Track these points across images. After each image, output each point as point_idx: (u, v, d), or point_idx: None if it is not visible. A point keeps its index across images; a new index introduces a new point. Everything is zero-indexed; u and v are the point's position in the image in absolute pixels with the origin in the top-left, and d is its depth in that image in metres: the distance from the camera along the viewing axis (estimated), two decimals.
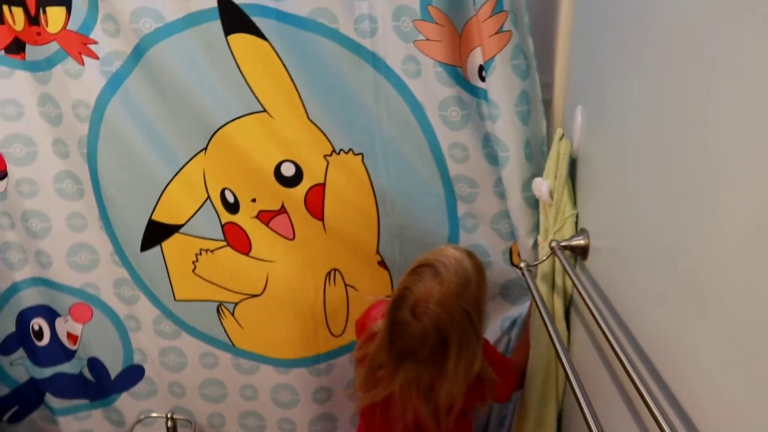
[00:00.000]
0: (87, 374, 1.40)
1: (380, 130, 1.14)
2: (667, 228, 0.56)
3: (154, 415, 1.41)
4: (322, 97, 1.13)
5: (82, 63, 1.16)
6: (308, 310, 1.26)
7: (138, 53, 1.14)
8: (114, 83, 1.17)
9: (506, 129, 1.04)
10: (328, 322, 1.27)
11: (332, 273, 1.24)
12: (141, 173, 1.22)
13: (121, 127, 1.20)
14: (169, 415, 1.38)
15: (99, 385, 1.41)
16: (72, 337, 1.38)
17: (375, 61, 1.11)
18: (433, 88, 1.10)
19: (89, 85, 1.18)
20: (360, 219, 1.19)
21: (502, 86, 1.02)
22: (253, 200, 1.21)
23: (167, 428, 1.39)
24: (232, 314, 1.31)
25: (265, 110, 1.15)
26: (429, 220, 1.18)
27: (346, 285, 1.25)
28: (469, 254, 0.95)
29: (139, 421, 1.41)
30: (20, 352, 1.40)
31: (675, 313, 0.54)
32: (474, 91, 1.10)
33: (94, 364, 1.40)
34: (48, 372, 1.40)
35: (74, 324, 1.37)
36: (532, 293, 0.90)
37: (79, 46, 1.16)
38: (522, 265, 0.99)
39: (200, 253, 1.27)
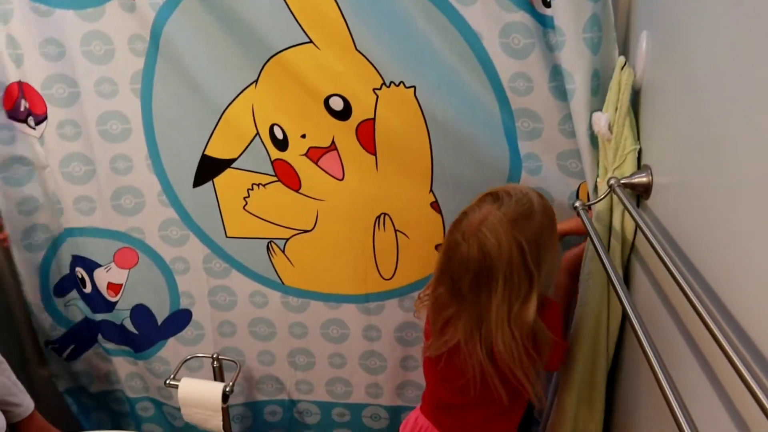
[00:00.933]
0: (129, 326, 1.44)
1: (433, 61, 1.08)
2: (752, 160, 0.51)
3: (200, 355, 1.45)
4: (371, 26, 1.08)
5: None
6: (358, 251, 1.26)
7: None
8: (165, 12, 1.15)
9: (572, 58, 0.96)
10: (378, 264, 1.27)
11: (382, 217, 1.22)
12: (194, 107, 1.21)
13: (175, 59, 1.18)
14: (214, 356, 1.42)
15: (143, 335, 1.45)
16: (113, 288, 1.41)
17: None
18: (492, 14, 1.02)
19: (144, 18, 1.15)
20: (413, 156, 1.15)
21: (569, 9, 0.94)
22: (303, 136, 1.19)
23: (213, 369, 1.43)
24: (283, 251, 1.31)
25: (311, 41, 1.11)
26: (487, 158, 1.13)
27: (396, 230, 1.23)
28: (540, 195, 0.91)
29: (184, 361, 1.45)
30: (73, 293, 1.45)
31: (759, 254, 0.50)
32: (540, 19, 1.02)
33: (141, 311, 1.43)
34: (98, 317, 1.45)
35: (119, 271, 1.39)
36: (589, 234, 0.86)
37: None
38: (577, 204, 0.94)
39: (252, 188, 1.27)
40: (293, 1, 1.08)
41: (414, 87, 1.10)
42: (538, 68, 1.04)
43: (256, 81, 1.17)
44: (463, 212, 0.89)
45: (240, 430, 1.55)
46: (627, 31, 0.98)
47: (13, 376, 0.85)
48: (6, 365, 0.83)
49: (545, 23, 1.02)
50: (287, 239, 1.30)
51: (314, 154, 1.20)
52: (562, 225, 1.05)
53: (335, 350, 1.39)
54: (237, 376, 1.39)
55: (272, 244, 1.31)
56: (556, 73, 1.03)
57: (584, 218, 0.90)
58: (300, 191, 1.24)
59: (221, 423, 1.36)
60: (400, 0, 1.06)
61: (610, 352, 0.98)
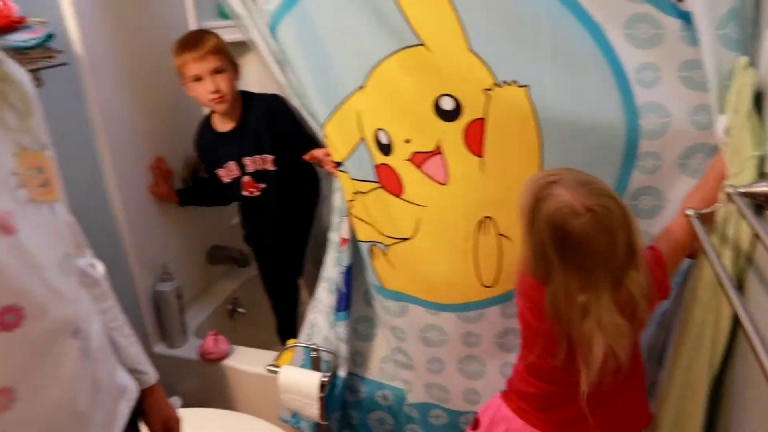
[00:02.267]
0: None
1: (551, 57, 1.05)
2: None
3: (299, 344, 1.51)
4: (486, 24, 1.07)
5: None
6: (459, 259, 1.24)
7: None
8: (277, 17, 1.21)
9: (706, 54, 0.92)
10: (480, 271, 1.24)
11: (484, 221, 1.20)
12: (305, 107, 1.28)
13: (290, 57, 1.24)
14: (313, 346, 1.47)
15: None
16: None
17: None
18: (616, 5, 0.99)
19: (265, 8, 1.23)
20: (522, 157, 1.13)
21: (704, 3, 0.89)
22: (407, 141, 1.19)
23: (311, 359, 1.49)
24: (384, 254, 1.33)
25: (422, 43, 1.11)
26: (599, 157, 1.09)
27: (499, 234, 1.21)
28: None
29: (286, 349, 1.54)
30: None
31: None
32: (669, 10, 0.98)
33: None
34: None
35: None
36: (703, 246, 0.84)
37: None
38: (689, 212, 0.92)
39: (355, 195, 1.31)
40: (407, 4, 1.10)
41: (528, 86, 1.08)
42: (667, 58, 0.99)
43: (364, 85, 1.20)
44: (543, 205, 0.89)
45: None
46: (753, 28, 0.93)
47: (141, 348, 0.93)
48: (135, 337, 0.93)
49: (675, 14, 0.98)
50: (389, 245, 1.31)
51: (418, 159, 1.20)
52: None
53: (433, 354, 1.38)
54: (334, 368, 1.45)
55: (374, 246, 1.33)
56: (686, 66, 0.98)
57: (697, 227, 0.88)
58: (402, 197, 1.24)
59: (318, 411, 1.43)
60: None
61: (715, 362, 0.94)
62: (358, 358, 1.51)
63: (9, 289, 0.61)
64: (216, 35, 1.58)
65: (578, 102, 1.07)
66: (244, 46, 2.03)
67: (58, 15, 1.40)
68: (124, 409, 0.83)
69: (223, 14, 1.99)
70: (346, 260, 1.41)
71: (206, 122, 1.73)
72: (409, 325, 1.37)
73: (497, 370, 1.35)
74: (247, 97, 1.66)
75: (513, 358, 1.29)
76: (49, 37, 1.28)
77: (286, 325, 1.92)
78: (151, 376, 0.91)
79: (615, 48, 1.02)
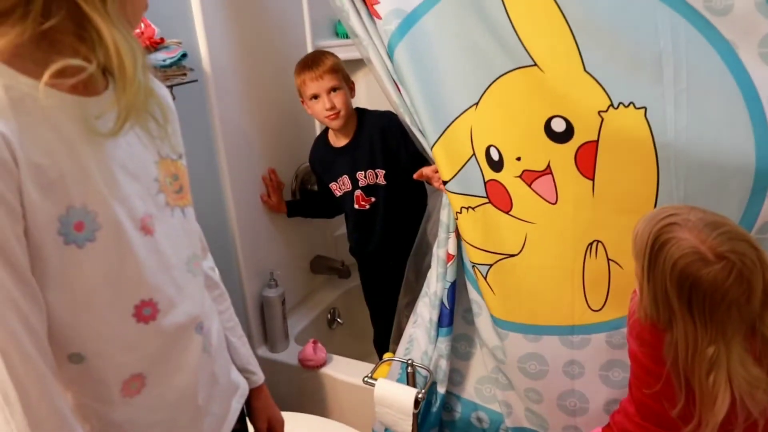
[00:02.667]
0: None
1: (673, 79, 1.01)
2: None
3: (396, 359, 1.53)
4: (604, 45, 1.05)
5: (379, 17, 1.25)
6: (566, 278, 1.21)
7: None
8: (396, 37, 1.25)
9: None
10: (587, 294, 1.20)
11: (594, 244, 1.16)
12: (415, 126, 1.31)
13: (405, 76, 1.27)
14: (409, 361, 1.48)
15: None
16: None
17: None
18: (750, 23, 0.94)
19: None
20: (635, 182, 1.09)
21: None
22: (518, 159, 1.19)
23: (407, 374, 1.49)
24: (485, 278, 1.32)
25: (535, 64, 1.11)
26: (724, 187, 1.02)
27: (609, 260, 1.17)
28: None
29: (383, 362, 1.56)
30: None
31: None
32: None
33: None
34: None
35: None
36: None
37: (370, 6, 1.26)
38: None
39: (460, 212, 1.30)
40: (521, 24, 1.10)
41: (645, 108, 1.04)
42: None
43: (477, 103, 1.21)
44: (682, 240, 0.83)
45: None
46: None
47: (251, 350, 0.98)
48: (246, 339, 0.98)
49: None
50: (491, 265, 1.29)
51: (528, 177, 1.19)
52: None
53: (531, 386, 1.34)
54: (429, 384, 1.45)
55: (475, 269, 1.33)
56: None
57: None
58: (510, 213, 1.24)
59: (411, 428, 1.43)
60: (640, 16, 1.02)
61: None
62: (456, 376, 1.50)
63: (147, 284, 0.66)
64: (333, 56, 1.68)
65: (701, 126, 1.01)
66: (356, 64, 2.11)
67: (191, 35, 1.52)
68: (237, 405, 0.88)
69: (338, 33, 2.08)
70: (451, 276, 1.41)
71: (322, 137, 1.82)
72: (509, 352, 1.34)
73: (601, 409, 1.28)
74: (361, 114, 1.74)
75: (619, 394, 1.24)
76: (184, 56, 1.40)
77: (383, 336, 1.95)
78: (259, 376, 0.96)
79: (747, 68, 0.97)
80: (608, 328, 1.21)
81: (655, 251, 0.85)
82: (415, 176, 1.46)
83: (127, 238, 0.63)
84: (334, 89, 1.64)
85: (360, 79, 2.13)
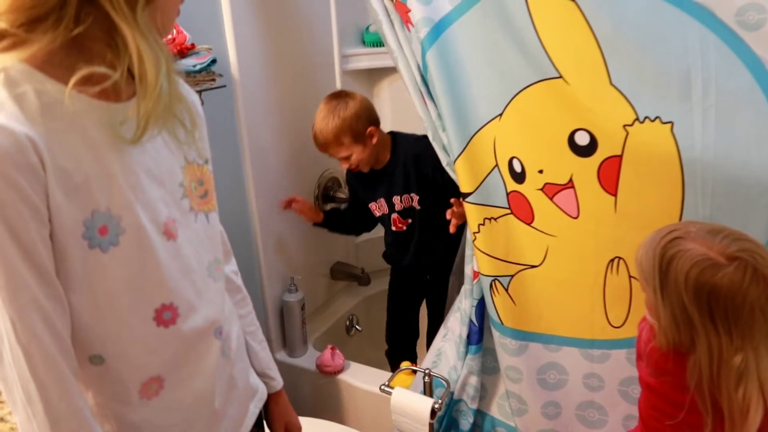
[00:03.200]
0: None
1: (701, 94, 1.01)
2: None
3: (414, 368, 1.54)
4: (631, 59, 1.05)
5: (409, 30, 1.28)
6: (586, 293, 1.20)
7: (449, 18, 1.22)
8: (427, 43, 1.26)
9: None
10: (607, 310, 1.20)
11: (615, 261, 1.16)
12: (439, 140, 1.32)
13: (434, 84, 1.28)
14: (426, 371, 1.48)
15: None
16: None
17: (700, 13, 0.98)
18: None
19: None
20: (660, 199, 1.08)
21: None
22: (540, 171, 1.19)
23: (423, 383, 1.49)
24: (506, 289, 1.31)
25: (560, 76, 1.11)
26: (751, 204, 1.00)
27: (630, 277, 1.16)
28: None
29: (400, 371, 1.57)
30: None
31: None
32: None
33: None
34: None
35: None
36: None
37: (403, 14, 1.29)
38: None
39: (483, 223, 1.30)
40: (547, 36, 1.11)
41: (672, 123, 1.03)
42: None
43: (501, 114, 1.21)
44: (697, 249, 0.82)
45: None
46: None
47: (270, 354, 0.99)
48: (266, 344, 0.99)
49: None
50: (512, 276, 1.29)
51: (550, 190, 1.19)
52: None
53: (550, 398, 1.34)
54: (446, 395, 1.45)
55: (496, 281, 1.32)
56: None
57: None
58: (532, 225, 1.24)
59: None
60: (668, 30, 1.01)
61: None
62: (482, 391, 1.49)
63: (168, 288, 0.67)
64: (336, 123, 1.62)
65: (730, 142, 1.00)
66: (383, 72, 2.13)
67: (221, 41, 1.56)
68: (254, 409, 0.89)
69: (365, 42, 2.10)
70: (477, 293, 1.40)
71: None
72: (527, 365, 1.33)
73: (619, 423, 1.27)
74: (394, 139, 1.75)
75: (634, 410, 1.22)
76: (213, 62, 1.43)
77: (397, 348, 1.96)
78: (278, 382, 0.97)
79: None
80: (628, 345, 1.20)
81: (664, 269, 0.83)
82: (447, 216, 1.48)
83: (149, 243, 0.64)
84: (345, 158, 1.67)
85: (385, 88, 2.14)
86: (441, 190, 1.61)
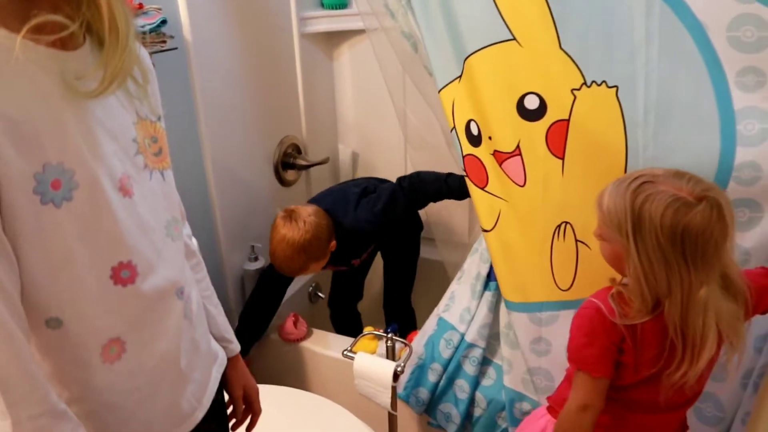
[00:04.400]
0: None
1: (645, 58, 1.05)
2: None
3: (376, 333, 1.58)
4: (581, 22, 1.07)
5: None
6: (535, 257, 1.25)
7: None
8: None
9: None
10: (554, 274, 1.25)
11: (563, 226, 1.20)
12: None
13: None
14: (389, 335, 1.52)
15: None
16: None
17: None
18: (722, 5, 0.97)
19: None
20: (605, 160, 1.12)
21: None
22: (490, 138, 1.22)
23: (386, 348, 1.53)
24: None
25: (514, 38, 1.13)
26: (691, 165, 1.03)
27: (577, 240, 1.20)
28: None
29: (363, 336, 1.60)
30: None
31: None
32: None
33: None
34: None
35: None
36: None
37: None
38: None
39: None
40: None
41: (617, 86, 1.07)
42: None
43: (460, 76, 1.23)
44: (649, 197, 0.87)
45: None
46: None
47: (226, 319, 0.99)
48: (221, 308, 0.98)
49: None
50: None
51: (498, 157, 1.23)
52: None
53: (508, 356, 1.39)
54: (408, 357, 1.48)
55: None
56: None
57: None
58: (486, 188, 1.27)
59: (390, 399, 1.46)
60: None
61: None
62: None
63: (126, 246, 0.66)
64: (303, 261, 1.59)
65: (670, 105, 1.05)
66: (342, 36, 2.09)
67: (171, 1, 1.51)
68: (216, 374, 0.88)
69: (325, 4, 2.06)
70: None
71: None
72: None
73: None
74: (337, 225, 1.67)
75: None
76: (163, 22, 1.39)
77: (338, 312, 2.06)
78: (236, 345, 0.98)
79: (717, 50, 1.00)
80: (575, 306, 1.23)
81: (636, 213, 0.87)
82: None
83: (105, 198, 0.62)
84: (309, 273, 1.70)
85: (344, 51, 2.11)
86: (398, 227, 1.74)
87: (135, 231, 0.67)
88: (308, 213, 1.59)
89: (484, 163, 1.25)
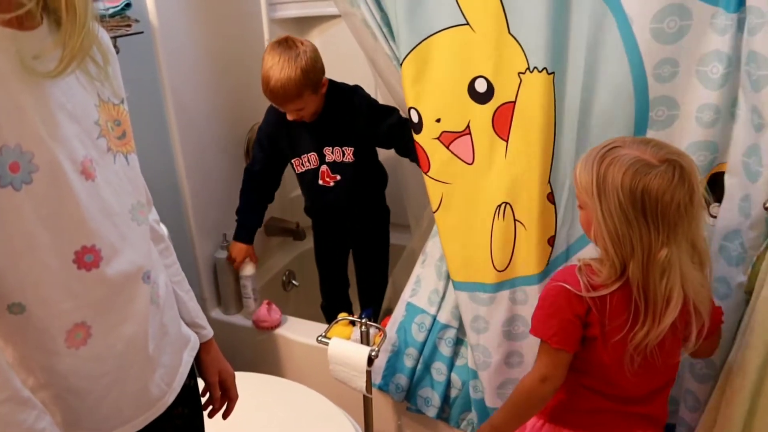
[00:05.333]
0: None
1: (578, 46, 1.10)
2: None
3: (350, 318, 1.59)
4: (526, 9, 1.11)
5: None
6: (476, 238, 1.29)
7: None
8: None
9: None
10: (493, 255, 1.28)
11: (503, 206, 1.24)
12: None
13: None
14: (363, 320, 1.52)
15: None
16: None
17: None
18: None
19: None
20: (541, 144, 1.16)
21: None
22: (438, 120, 1.25)
23: (360, 333, 1.54)
24: None
25: (467, 23, 1.16)
26: None
27: (515, 220, 1.24)
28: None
29: (337, 322, 1.61)
30: None
31: None
32: None
33: None
34: None
35: None
36: None
37: None
38: None
39: None
40: None
41: (554, 73, 1.12)
42: (688, 52, 1.03)
43: (401, 64, 1.24)
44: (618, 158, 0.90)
45: None
46: None
47: (198, 305, 0.99)
48: (193, 294, 0.98)
49: (716, 3, 1.00)
50: None
51: (446, 138, 1.25)
52: None
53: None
54: (382, 341, 1.49)
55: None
56: (710, 58, 1.01)
57: None
58: (428, 174, 1.30)
59: (365, 384, 1.47)
60: None
61: None
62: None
63: (89, 229, 0.65)
64: (300, 78, 1.51)
65: (592, 92, 1.11)
66: (311, 21, 2.07)
67: None
68: (188, 358, 0.88)
69: None
70: None
71: (279, 112, 1.69)
72: None
73: (503, 362, 1.37)
74: (330, 88, 1.66)
75: (518, 347, 1.35)
76: (127, 5, 1.36)
77: (332, 301, 1.98)
78: (209, 330, 0.98)
79: (639, 42, 1.05)
80: (511, 285, 1.30)
81: (601, 176, 0.90)
82: None
83: (66, 181, 0.62)
84: (297, 109, 1.60)
85: (315, 37, 2.11)
86: (374, 143, 1.61)
87: (98, 215, 0.67)
88: (303, 41, 1.57)
89: (426, 149, 1.28)
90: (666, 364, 0.99)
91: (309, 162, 1.73)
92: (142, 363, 0.76)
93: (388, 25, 1.27)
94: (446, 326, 1.46)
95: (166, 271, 0.87)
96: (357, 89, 1.67)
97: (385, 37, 1.28)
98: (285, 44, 1.54)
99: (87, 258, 0.66)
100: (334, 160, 1.71)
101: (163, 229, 0.93)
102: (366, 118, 1.64)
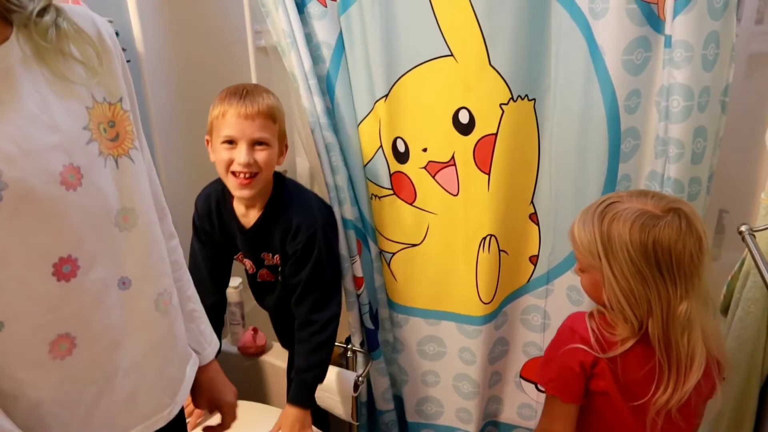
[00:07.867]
0: None
1: (554, 74, 1.13)
2: None
3: (336, 344, 1.56)
4: (506, 40, 1.12)
5: (325, 5, 1.23)
6: (462, 270, 1.31)
7: None
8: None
9: (695, 74, 0.98)
10: (479, 287, 1.30)
11: (488, 238, 1.26)
12: (336, 116, 1.31)
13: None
14: (349, 346, 1.52)
15: None
16: None
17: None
18: (621, 29, 1.03)
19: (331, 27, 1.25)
20: (523, 169, 1.20)
21: (694, 25, 0.95)
22: (424, 150, 1.27)
23: (346, 358, 1.55)
24: (388, 265, 1.41)
25: (452, 54, 1.18)
26: (587, 174, 1.15)
27: (499, 251, 1.27)
28: None
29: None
30: None
31: None
32: (661, 31, 1.03)
33: None
34: None
35: None
36: (756, 263, 0.85)
37: None
38: (743, 228, 0.92)
39: (372, 198, 1.37)
40: (442, 15, 1.16)
41: (535, 99, 1.16)
42: (648, 84, 1.07)
43: (387, 95, 1.25)
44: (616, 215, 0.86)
45: None
46: None
47: (203, 325, 0.94)
48: (201, 312, 0.94)
49: (663, 36, 1.04)
50: (393, 253, 1.39)
51: (433, 168, 1.28)
52: None
53: (430, 368, 1.46)
54: (368, 368, 1.48)
55: (381, 256, 1.41)
56: (663, 90, 1.04)
57: (750, 243, 0.88)
58: (414, 204, 1.32)
59: (351, 410, 1.46)
60: (537, 12, 1.10)
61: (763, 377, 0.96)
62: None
63: (67, 241, 0.64)
64: (274, 96, 1.22)
65: (566, 114, 1.14)
66: None
67: (123, 14, 1.51)
68: (191, 373, 0.86)
69: None
70: (365, 299, 1.40)
71: (221, 195, 1.32)
72: (407, 337, 1.45)
73: (486, 384, 1.41)
74: (279, 184, 1.27)
75: (498, 367, 1.40)
76: (115, 34, 1.36)
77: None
78: (204, 357, 0.93)
79: (610, 73, 1.07)
80: (495, 315, 1.33)
81: (605, 233, 0.86)
82: None
83: (40, 195, 0.61)
84: (261, 142, 1.16)
85: None
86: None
87: (78, 224, 0.65)
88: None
89: (411, 178, 1.30)
90: (689, 423, 0.93)
91: (247, 265, 1.41)
92: (127, 370, 0.73)
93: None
94: (383, 412, 1.53)
95: (176, 285, 0.83)
96: (324, 227, 1.25)
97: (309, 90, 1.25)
98: (243, 88, 1.20)
99: (65, 269, 0.64)
100: (274, 264, 1.35)
101: (174, 243, 0.88)
102: (296, 255, 1.24)
